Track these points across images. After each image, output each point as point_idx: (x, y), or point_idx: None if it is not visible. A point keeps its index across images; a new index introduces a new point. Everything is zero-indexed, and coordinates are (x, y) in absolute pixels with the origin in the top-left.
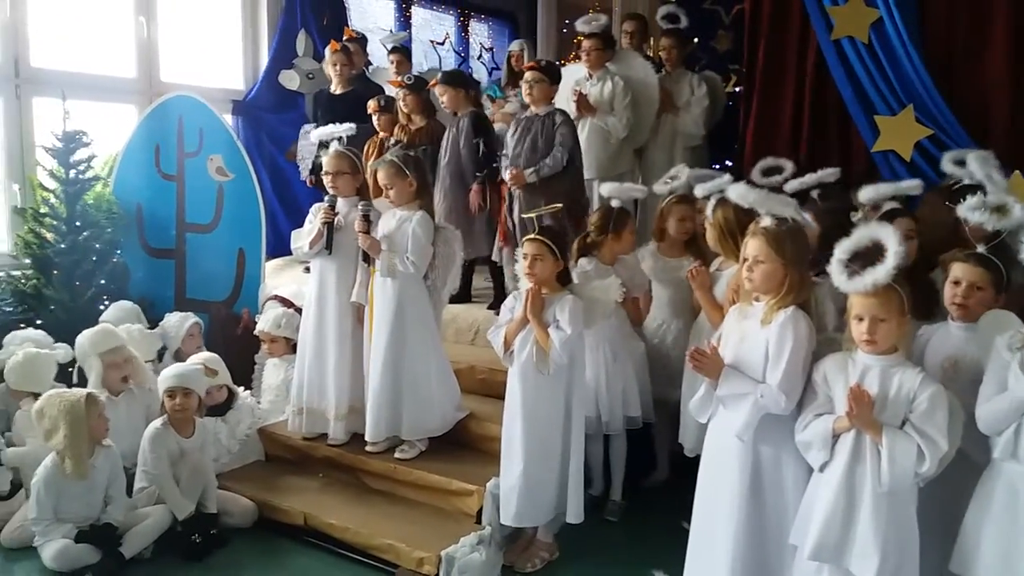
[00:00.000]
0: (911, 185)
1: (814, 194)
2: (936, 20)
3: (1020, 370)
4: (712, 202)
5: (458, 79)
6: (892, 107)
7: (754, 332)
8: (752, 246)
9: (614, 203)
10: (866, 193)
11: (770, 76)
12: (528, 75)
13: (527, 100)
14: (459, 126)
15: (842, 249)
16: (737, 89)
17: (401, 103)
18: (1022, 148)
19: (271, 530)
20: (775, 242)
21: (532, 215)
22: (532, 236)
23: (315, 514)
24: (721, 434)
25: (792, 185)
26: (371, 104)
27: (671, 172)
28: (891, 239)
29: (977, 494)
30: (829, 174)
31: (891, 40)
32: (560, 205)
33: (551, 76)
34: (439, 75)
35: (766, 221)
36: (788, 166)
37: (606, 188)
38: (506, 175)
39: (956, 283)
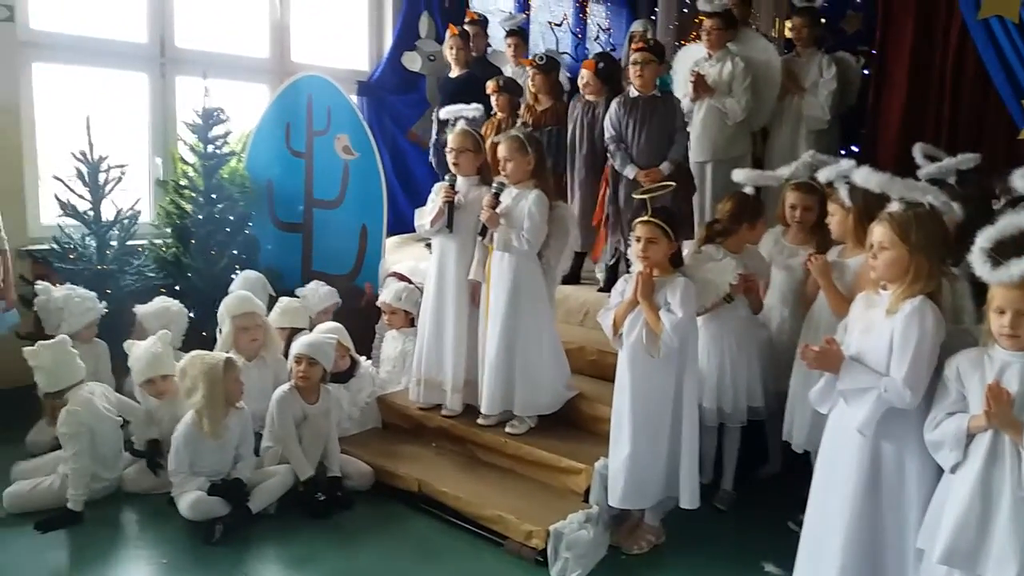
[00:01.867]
0: None
1: (951, 180)
2: None
3: None
4: (843, 189)
5: (605, 74)
6: None
7: (879, 322)
8: (877, 232)
9: (747, 190)
10: (1021, 181)
11: (911, 58)
12: (638, 56)
13: (635, 81)
14: (595, 113)
15: (985, 237)
16: (865, 72)
17: (530, 82)
18: None
19: (386, 495)
20: (900, 228)
21: (645, 196)
22: (646, 218)
23: (429, 481)
24: (841, 428)
25: (928, 171)
26: (490, 84)
27: (800, 160)
28: None
29: None
30: (968, 159)
31: None
32: (674, 184)
33: (660, 56)
34: (599, 65)
35: (894, 206)
36: (944, 157)
37: (740, 175)
38: (629, 171)
39: None
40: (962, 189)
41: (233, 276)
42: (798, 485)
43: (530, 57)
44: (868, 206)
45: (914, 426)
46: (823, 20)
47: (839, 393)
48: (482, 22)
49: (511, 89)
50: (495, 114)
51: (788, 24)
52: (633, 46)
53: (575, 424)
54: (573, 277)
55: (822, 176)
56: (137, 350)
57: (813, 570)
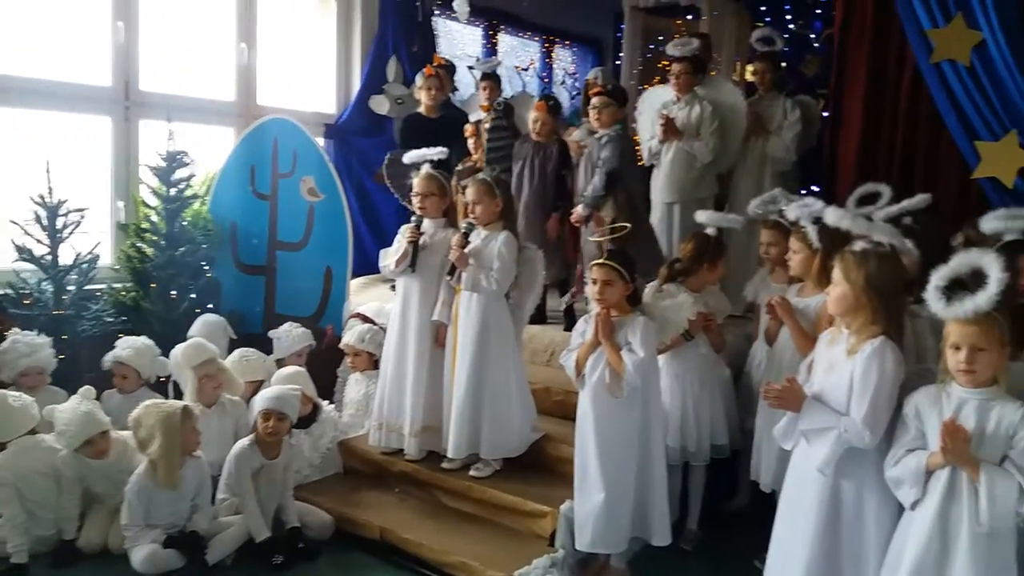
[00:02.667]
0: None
1: (906, 220)
2: None
3: None
4: (811, 229)
5: (559, 108)
6: (995, 132)
7: (841, 361)
8: (835, 270)
9: (709, 231)
10: (990, 223)
11: (866, 101)
12: (595, 100)
13: (595, 124)
14: (546, 152)
15: (940, 276)
16: (825, 114)
17: (534, 125)
18: None
19: (348, 543)
20: (845, 265)
21: (598, 239)
22: (600, 261)
23: (391, 529)
24: (803, 466)
25: (882, 213)
26: (468, 128)
27: (766, 196)
28: (993, 266)
29: None
30: (920, 201)
31: (995, 63)
32: (628, 225)
33: (618, 99)
34: (549, 101)
35: (856, 245)
36: (886, 192)
37: (702, 216)
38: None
39: None
40: (918, 229)
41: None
42: (765, 523)
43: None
44: (834, 246)
45: (873, 465)
46: (783, 64)
47: (800, 432)
48: (449, 67)
49: None
50: (470, 156)
51: (750, 68)
52: (592, 91)
53: (540, 466)
54: (539, 316)
55: (790, 214)
56: (63, 414)
57: None
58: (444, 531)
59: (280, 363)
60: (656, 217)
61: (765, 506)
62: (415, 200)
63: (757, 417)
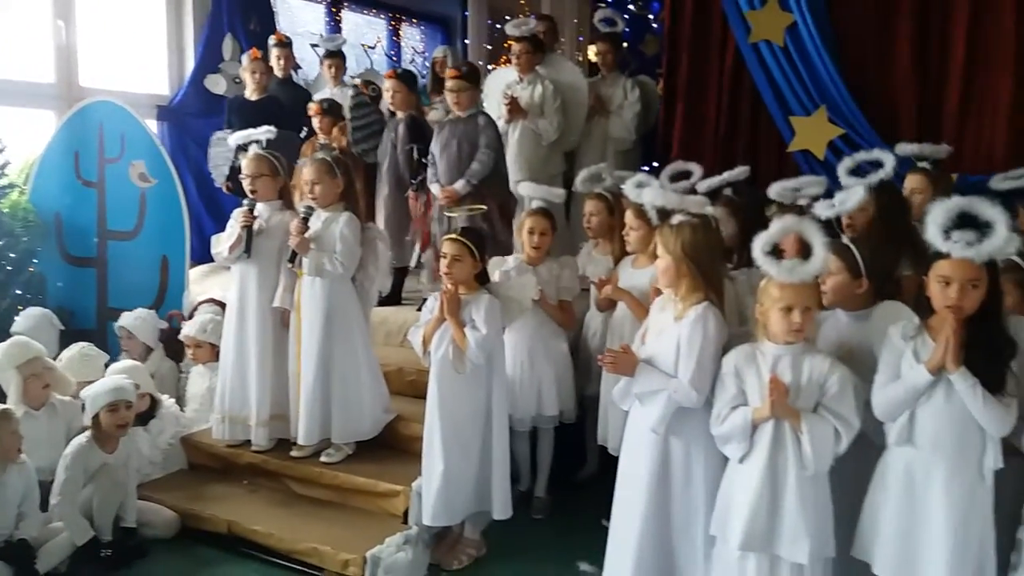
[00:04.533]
0: (812, 181)
1: (727, 192)
2: (846, 24)
3: (914, 359)
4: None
5: (412, 80)
6: (807, 108)
7: (670, 326)
8: (658, 244)
9: (536, 204)
10: (774, 189)
11: (693, 80)
12: (451, 83)
13: (454, 108)
14: (397, 130)
15: (763, 242)
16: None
17: (389, 96)
18: None
19: (196, 540)
20: (664, 238)
21: (456, 214)
22: (452, 236)
23: (239, 521)
24: (638, 427)
25: (705, 184)
26: (312, 107)
27: (592, 170)
28: (815, 233)
29: (874, 479)
30: (739, 173)
31: (805, 43)
32: (484, 207)
33: (474, 81)
34: (396, 69)
35: (674, 219)
36: (697, 170)
37: (524, 188)
38: (435, 188)
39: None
40: (739, 199)
41: (16, 318)
42: (613, 485)
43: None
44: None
45: (700, 423)
46: (625, 44)
47: (635, 395)
48: (289, 43)
49: (333, 111)
50: (313, 137)
51: (593, 49)
52: (448, 73)
53: (394, 446)
54: (394, 298)
55: (632, 194)
56: None
57: (617, 562)
58: (295, 519)
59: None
60: None
61: (614, 470)
62: (245, 183)
63: (602, 383)
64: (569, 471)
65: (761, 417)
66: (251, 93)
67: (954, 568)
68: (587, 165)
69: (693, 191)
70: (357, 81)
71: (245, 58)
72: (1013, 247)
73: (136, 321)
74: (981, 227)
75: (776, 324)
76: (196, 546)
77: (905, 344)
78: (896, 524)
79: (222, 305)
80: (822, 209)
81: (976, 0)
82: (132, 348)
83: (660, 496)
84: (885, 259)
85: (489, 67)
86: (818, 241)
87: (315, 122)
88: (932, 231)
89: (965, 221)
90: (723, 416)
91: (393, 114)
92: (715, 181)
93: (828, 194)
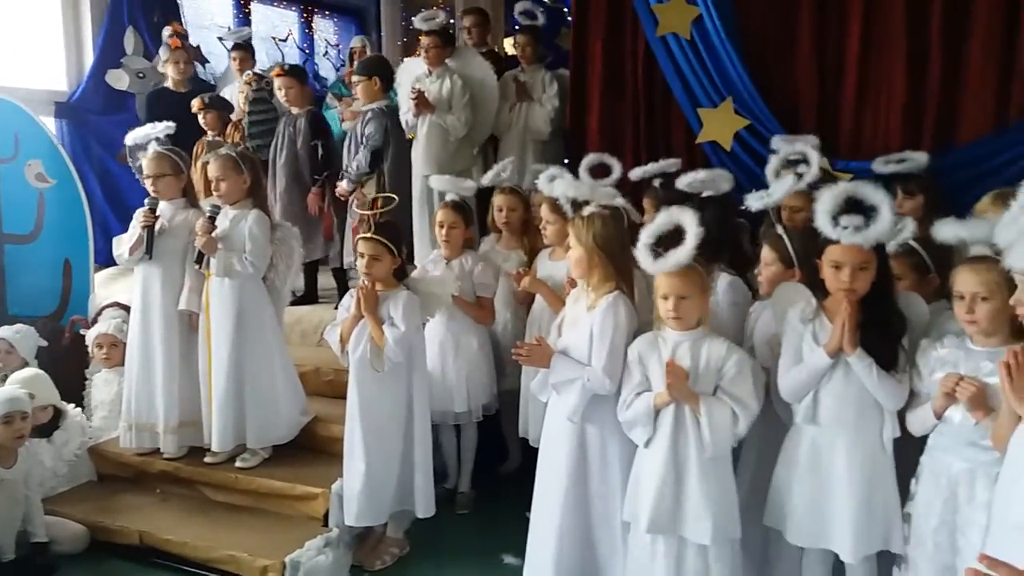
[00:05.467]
0: (720, 175)
1: (656, 183)
2: (750, 17)
3: (813, 341)
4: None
5: (303, 74)
6: (713, 100)
7: (583, 316)
8: (570, 235)
9: (449, 198)
10: (683, 181)
11: (608, 71)
12: (354, 78)
13: (362, 103)
14: (296, 125)
15: (647, 233)
16: None
17: (282, 94)
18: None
19: (106, 553)
20: (576, 229)
21: (367, 212)
22: (368, 236)
23: (151, 531)
24: (555, 417)
25: (635, 173)
26: (195, 103)
27: (498, 167)
28: (691, 222)
29: (783, 455)
30: (670, 164)
31: (710, 36)
32: (396, 198)
33: (371, 73)
34: (284, 66)
35: (587, 210)
36: (617, 166)
37: (434, 181)
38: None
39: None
40: (665, 192)
41: None
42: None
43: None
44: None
45: (614, 410)
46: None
47: (551, 386)
48: (183, 36)
49: (219, 106)
50: (205, 134)
51: (510, 41)
52: (346, 72)
53: (312, 448)
54: (310, 296)
55: (545, 188)
56: None
57: (538, 551)
58: (210, 527)
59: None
60: (416, 189)
61: (536, 462)
62: (147, 183)
63: (522, 376)
64: (492, 465)
65: (662, 401)
66: (176, 85)
67: (861, 532)
68: (508, 157)
69: (619, 183)
70: (247, 76)
71: (164, 49)
72: (909, 231)
73: (17, 335)
74: (867, 211)
75: (660, 311)
76: (107, 559)
77: (804, 327)
78: (806, 496)
79: (127, 309)
80: (753, 200)
81: None
82: (9, 362)
83: (578, 484)
84: (816, 249)
85: (403, 59)
86: (691, 232)
87: (200, 118)
88: (821, 218)
89: (852, 206)
90: (628, 402)
91: (290, 110)
92: (651, 168)
93: (740, 187)
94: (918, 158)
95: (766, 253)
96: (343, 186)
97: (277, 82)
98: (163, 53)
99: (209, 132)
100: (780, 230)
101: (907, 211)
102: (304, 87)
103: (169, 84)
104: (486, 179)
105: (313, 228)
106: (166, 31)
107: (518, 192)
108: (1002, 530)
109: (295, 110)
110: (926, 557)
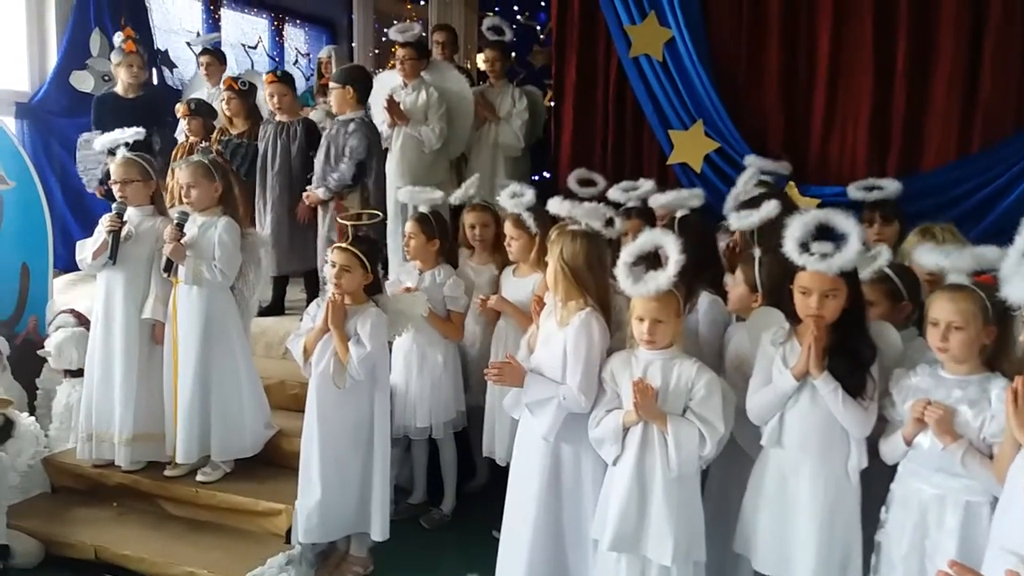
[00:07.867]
0: (691, 195)
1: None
2: (722, 41)
3: (783, 364)
4: (528, 217)
5: (293, 81)
6: (684, 122)
7: (555, 333)
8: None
9: (423, 209)
10: (656, 201)
11: (581, 90)
12: (330, 85)
13: (335, 111)
14: (290, 132)
15: (627, 253)
16: (552, 104)
17: (224, 105)
18: (795, 163)
19: (60, 568)
20: (552, 246)
21: (349, 223)
22: (341, 245)
23: (107, 546)
24: (527, 435)
25: (615, 193)
26: (180, 108)
27: (467, 183)
28: (672, 246)
29: (751, 480)
30: (648, 190)
31: (683, 59)
32: (379, 214)
33: (352, 84)
34: (276, 72)
35: (556, 227)
36: (601, 180)
37: (402, 194)
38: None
39: None
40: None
41: None
42: (503, 496)
43: (228, 78)
44: (549, 231)
45: (587, 427)
46: (513, 54)
47: (525, 405)
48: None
49: (203, 112)
50: (187, 139)
51: (481, 56)
52: (323, 80)
53: (275, 463)
54: (276, 308)
55: (508, 205)
56: None
57: (508, 570)
58: (169, 542)
59: None
60: (391, 202)
61: (504, 480)
62: (115, 188)
63: (488, 395)
64: (459, 483)
65: (630, 420)
66: (125, 90)
67: (820, 562)
68: (478, 172)
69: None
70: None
71: (116, 52)
72: (884, 259)
73: None
74: (838, 239)
75: (634, 332)
76: (61, 574)
77: (775, 350)
78: (771, 522)
79: (80, 317)
80: (734, 220)
81: (838, 7)
82: None
83: (551, 502)
84: (775, 274)
85: (376, 70)
86: (673, 258)
87: (184, 124)
88: (790, 245)
89: (822, 233)
90: (599, 419)
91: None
92: (634, 194)
93: (708, 208)
94: (891, 185)
95: (737, 273)
96: (319, 194)
97: (269, 88)
98: (115, 57)
99: (192, 137)
100: (757, 252)
101: (886, 237)
102: (295, 94)
103: (119, 89)
104: (455, 197)
105: (305, 238)
106: (118, 36)
107: (489, 208)
108: (995, 552)
109: (285, 118)
110: None
